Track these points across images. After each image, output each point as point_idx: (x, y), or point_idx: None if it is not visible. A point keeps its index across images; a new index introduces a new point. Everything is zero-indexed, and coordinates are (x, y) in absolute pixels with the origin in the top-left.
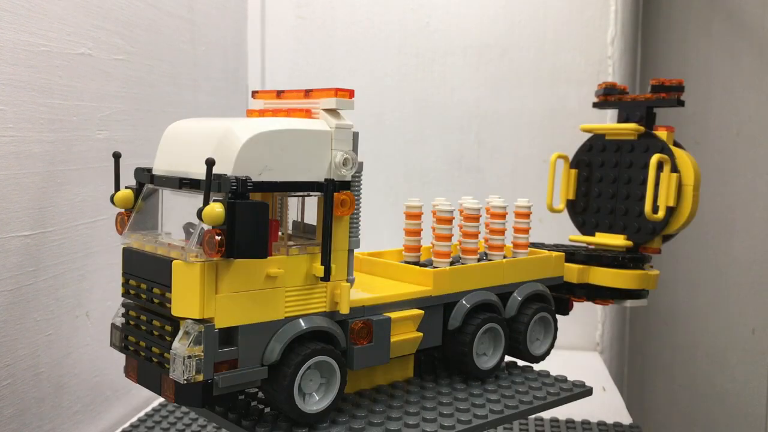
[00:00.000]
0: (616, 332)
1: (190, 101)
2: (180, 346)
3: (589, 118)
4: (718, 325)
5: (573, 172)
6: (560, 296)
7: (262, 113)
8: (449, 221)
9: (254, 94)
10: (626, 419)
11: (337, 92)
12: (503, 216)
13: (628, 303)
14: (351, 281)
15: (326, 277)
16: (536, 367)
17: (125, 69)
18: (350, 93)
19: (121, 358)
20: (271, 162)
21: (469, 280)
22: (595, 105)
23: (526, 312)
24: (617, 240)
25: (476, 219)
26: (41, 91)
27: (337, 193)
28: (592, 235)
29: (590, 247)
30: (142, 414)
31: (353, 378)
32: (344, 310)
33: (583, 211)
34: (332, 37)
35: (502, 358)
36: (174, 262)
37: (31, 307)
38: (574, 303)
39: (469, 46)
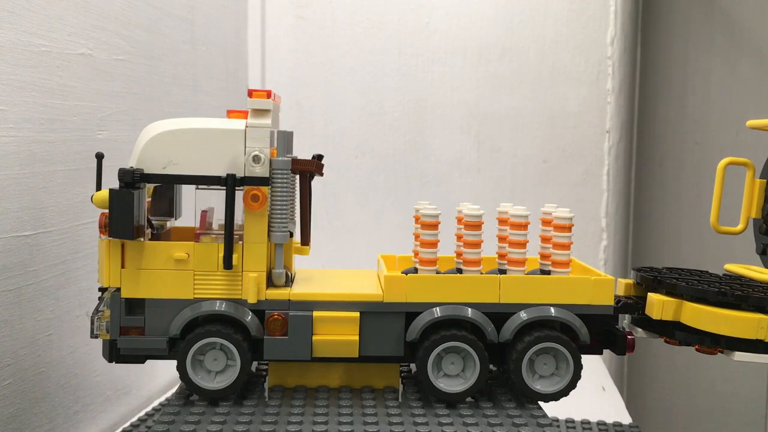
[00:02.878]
0: None
1: (190, 101)
2: (97, 308)
3: (588, 118)
4: None
5: (760, 183)
6: (616, 331)
7: (230, 114)
8: (434, 226)
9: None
10: (626, 419)
11: (252, 93)
12: (524, 226)
13: (737, 356)
14: (278, 275)
15: (227, 266)
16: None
17: (125, 69)
18: (267, 93)
19: None
20: (176, 157)
21: (442, 292)
22: None
23: (523, 339)
24: None
25: (477, 227)
26: (41, 91)
27: (249, 188)
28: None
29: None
30: (142, 414)
31: (320, 373)
32: (251, 299)
33: (767, 232)
34: (332, 37)
35: (478, 384)
36: (98, 238)
37: (32, 307)
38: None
39: (469, 46)
